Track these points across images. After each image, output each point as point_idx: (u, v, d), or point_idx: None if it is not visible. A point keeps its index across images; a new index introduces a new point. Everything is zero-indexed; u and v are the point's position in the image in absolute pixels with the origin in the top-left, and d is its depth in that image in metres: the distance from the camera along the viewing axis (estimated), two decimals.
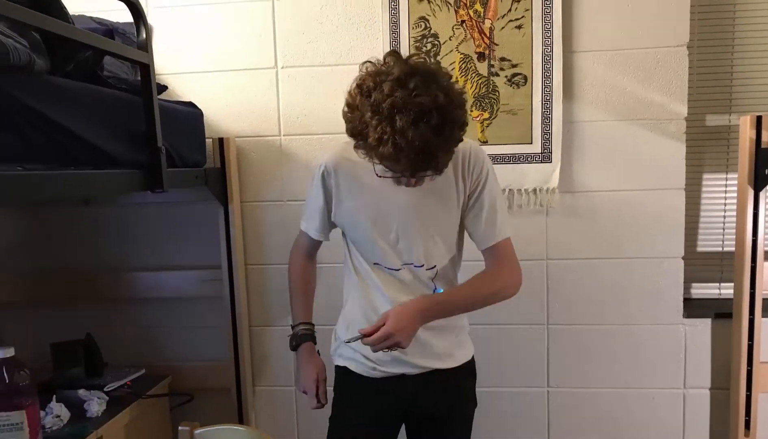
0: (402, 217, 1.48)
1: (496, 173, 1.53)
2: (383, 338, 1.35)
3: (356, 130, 1.29)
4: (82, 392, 1.92)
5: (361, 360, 1.57)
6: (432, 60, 1.42)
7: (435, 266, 1.53)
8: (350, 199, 1.51)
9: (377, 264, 1.53)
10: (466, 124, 1.30)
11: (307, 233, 1.63)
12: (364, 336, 1.38)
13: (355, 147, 1.33)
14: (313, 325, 1.68)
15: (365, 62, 1.32)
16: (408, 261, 1.51)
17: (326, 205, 1.55)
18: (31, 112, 1.20)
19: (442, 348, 1.56)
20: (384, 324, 1.36)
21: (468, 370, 1.66)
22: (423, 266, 1.51)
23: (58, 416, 1.78)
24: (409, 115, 1.19)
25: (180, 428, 1.69)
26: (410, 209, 1.48)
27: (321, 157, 1.55)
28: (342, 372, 1.63)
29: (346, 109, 1.33)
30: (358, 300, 1.57)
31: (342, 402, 1.64)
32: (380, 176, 1.39)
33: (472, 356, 1.67)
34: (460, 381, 1.63)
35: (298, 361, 1.67)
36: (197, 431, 1.67)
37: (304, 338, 1.64)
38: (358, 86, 1.29)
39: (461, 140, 1.31)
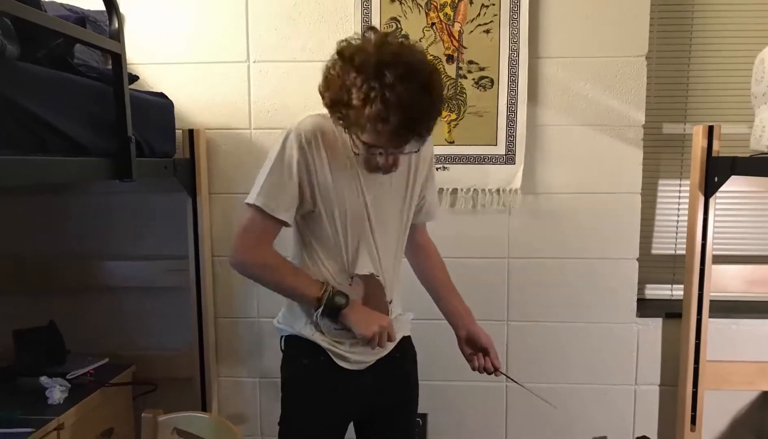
0: (375, 218, 1.43)
1: None
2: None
3: (337, 97, 1.24)
4: (43, 379, 1.91)
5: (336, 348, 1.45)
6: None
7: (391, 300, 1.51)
8: (335, 175, 1.36)
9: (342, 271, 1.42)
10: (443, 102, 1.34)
11: (273, 214, 1.34)
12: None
13: (337, 118, 1.27)
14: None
15: (340, 42, 1.28)
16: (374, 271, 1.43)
17: (300, 181, 1.35)
18: (2, 98, 1.21)
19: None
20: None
21: (412, 355, 1.67)
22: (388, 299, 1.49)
23: None
24: (398, 70, 1.17)
25: (143, 414, 1.71)
26: (381, 207, 1.43)
27: (294, 125, 1.35)
28: (303, 364, 1.48)
29: (322, 83, 1.28)
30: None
31: (298, 401, 1.50)
32: (357, 154, 1.33)
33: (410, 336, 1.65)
34: (409, 368, 1.64)
35: (356, 314, 1.39)
36: (161, 418, 1.69)
37: (341, 297, 1.39)
38: (338, 53, 1.25)
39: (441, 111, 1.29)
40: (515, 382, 1.62)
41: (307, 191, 1.36)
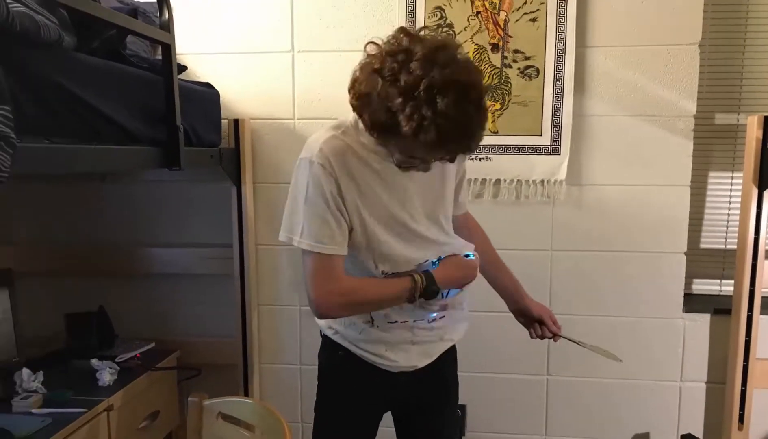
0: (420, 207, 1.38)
1: None
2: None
3: (382, 122, 1.14)
4: (94, 361, 1.97)
5: (368, 349, 1.44)
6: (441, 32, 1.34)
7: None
8: (376, 191, 1.30)
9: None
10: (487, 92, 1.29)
11: (329, 253, 1.27)
12: None
13: (380, 142, 1.20)
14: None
15: (368, 44, 1.18)
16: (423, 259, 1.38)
17: (340, 212, 1.28)
18: (59, 87, 1.24)
19: (457, 336, 1.56)
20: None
21: (451, 358, 1.62)
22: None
23: None
24: (452, 95, 1.08)
25: (189, 398, 1.75)
26: (423, 196, 1.38)
27: (312, 154, 1.25)
28: (339, 354, 1.48)
29: (357, 100, 1.17)
30: None
31: (333, 390, 1.54)
32: (401, 166, 1.26)
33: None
34: (447, 371, 1.60)
35: (448, 277, 1.38)
36: (206, 402, 1.73)
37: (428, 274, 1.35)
38: (376, 71, 1.13)
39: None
40: (577, 343, 1.65)
41: (347, 216, 1.29)
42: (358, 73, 1.19)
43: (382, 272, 1.36)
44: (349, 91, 1.22)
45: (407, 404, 1.56)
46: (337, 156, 1.25)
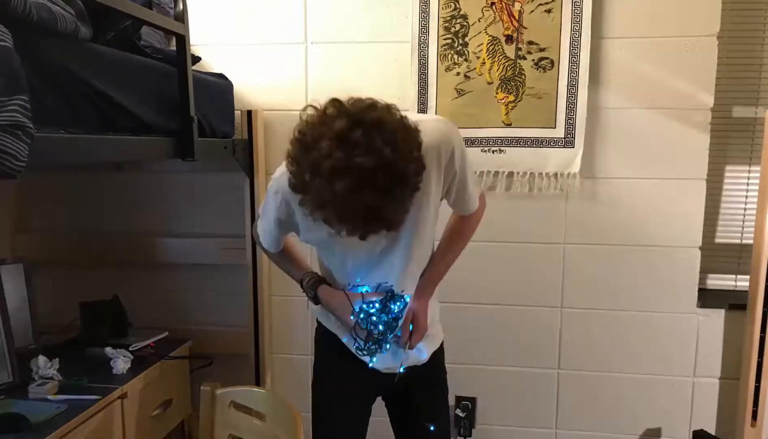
0: (375, 252, 1.39)
1: (466, 152, 1.38)
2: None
3: (298, 187, 1.14)
4: (108, 349, 1.99)
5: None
6: (378, 102, 1.13)
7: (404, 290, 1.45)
8: (315, 231, 1.33)
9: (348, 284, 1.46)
10: (423, 168, 1.13)
11: (265, 247, 1.56)
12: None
13: (300, 203, 1.17)
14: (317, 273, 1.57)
15: (306, 107, 1.15)
16: (382, 282, 1.43)
17: (284, 230, 1.46)
18: (76, 78, 1.25)
19: (427, 350, 1.57)
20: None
21: (437, 359, 1.64)
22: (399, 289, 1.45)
23: None
24: (351, 179, 1.03)
25: (202, 387, 1.76)
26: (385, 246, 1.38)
27: (278, 176, 1.35)
28: (330, 333, 1.57)
29: (288, 159, 1.16)
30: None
31: (325, 366, 1.63)
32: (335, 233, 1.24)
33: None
34: (432, 373, 1.62)
35: (326, 303, 1.49)
36: (218, 391, 1.74)
37: (315, 284, 1.51)
38: (297, 140, 1.12)
39: (417, 189, 1.14)
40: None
41: (293, 232, 1.46)
42: (292, 136, 1.16)
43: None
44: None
45: (395, 392, 1.59)
46: (294, 195, 1.27)
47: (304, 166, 1.09)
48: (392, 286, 1.42)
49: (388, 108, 1.13)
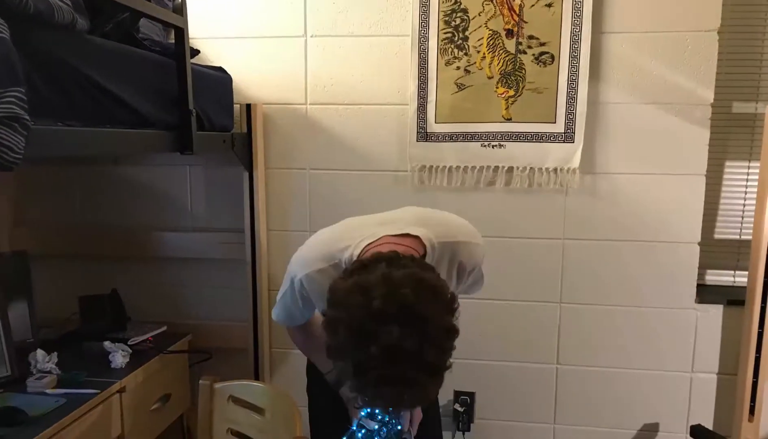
0: None
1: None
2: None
3: (335, 356, 1.09)
4: (107, 344, 1.99)
5: None
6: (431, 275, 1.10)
7: None
8: None
9: None
10: (457, 333, 1.09)
11: (295, 325, 1.52)
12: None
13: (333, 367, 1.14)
14: None
15: (349, 272, 1.12)
16: None
17: (308, 310, 1.43)
18: (73, 70, 1.24)
19: None
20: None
21: None
22: None
23: None
24: (396, 388, 1.02)
25: (201, 381, 1.77)
26: None
27: (295, 269, 1.36)
28: None
29: (326, 319, 1.10)
30: None
31: (318, 379, 1.57)
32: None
33: None
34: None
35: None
36: (217, 385, 1.74)
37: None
38: (345, 324, 1.04)
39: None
40: None
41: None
42: (337, 287, 1.09)
43: None
44: None
45: None
46: (315, 290, 1.31)
47: (347, 355, 1.04)
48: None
49: (437, 287, 1.08)
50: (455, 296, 1.11)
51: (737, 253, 2.23)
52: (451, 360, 1.09)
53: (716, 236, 2.24)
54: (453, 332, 1.08)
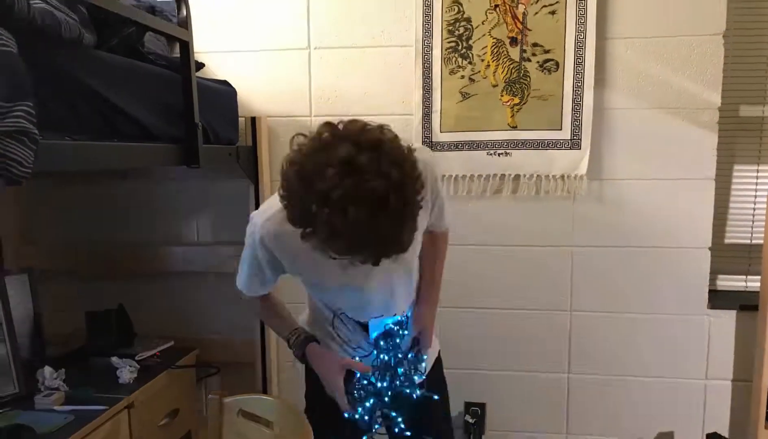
0: (372, 282, 1.35)
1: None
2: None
3: (300, 220, 1.09)
4: (114, 359, 1.98)
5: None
6: (368, 123, 1.10)
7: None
8: (306, 272, 1.38)
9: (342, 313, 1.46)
10: (423, 187, 1.11)
11: (255, 295, 1.51)
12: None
13: (303, 237, 1.11)
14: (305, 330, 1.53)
15: (296, 135, 1.13)
16: (378, 314, 1.43)
17: (273, 271, 1.40)
18: (80, 84, 1.25)
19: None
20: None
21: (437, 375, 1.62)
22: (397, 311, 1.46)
23: None
24: (365, 206, 1.00)
25: (210, 396, 1.74)
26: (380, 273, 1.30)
27: (256, 220, 1.35)
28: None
29: (283, 193, 1.12)
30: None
31: (316, 393, 1.54)
32: (333, 258, 1.16)
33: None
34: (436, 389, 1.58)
35: (313, 364, 1.47)
36: (226, 400, 1.72)
37: (303, 342, 1.47)
38: (296, 172, 1.07)
39: (420, 208, 1.11)
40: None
41: (281, 270, 1.41)
42: (284, 166, 1.13)
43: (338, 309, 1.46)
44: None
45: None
46: (274, 237, 1.31)
47: (309, 200, 1.04)
48: (390, 325, 1.43)
49: (381, 128, 1.09)
50: (411, 149, 1.11)
51: (748, 257, 2.21)
52: (419, 187, 1.08)
53: (727, 241, 2.22)
54: (411, 155, 1.09)
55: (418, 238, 1.37)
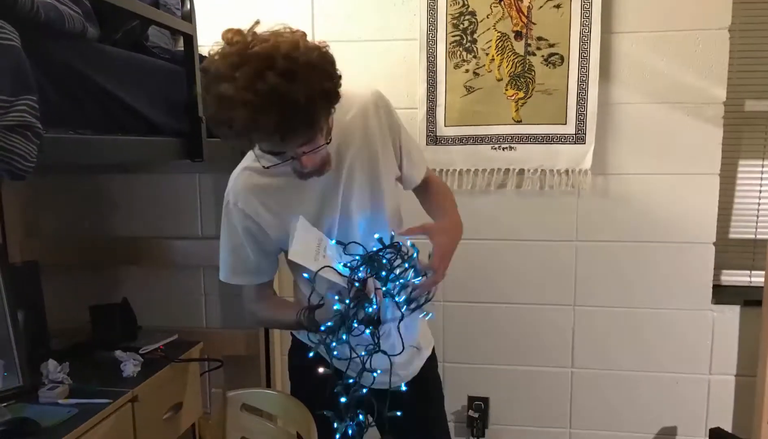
0: (341, 219, 1.30)
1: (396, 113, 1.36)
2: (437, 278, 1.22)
3: (209, 110, 1.10)
4: (118, 353, 1.98)
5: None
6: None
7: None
8: (284, 222, 1.29)
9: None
10: (336, 77, 1.11)
11: (244, 284, 1.41)
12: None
13: (220, 136, 1.12)
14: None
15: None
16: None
17: (254, 246, 1.32)
18: (83, 78, 1.24)
19: (417, 365, 1.49)
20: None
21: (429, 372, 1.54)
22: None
23: None
24: (251, 67, 1.01)
25: (213, 390, 1.75)
26: (347, 204, 1.29)
27: (226, 191, 1.33)
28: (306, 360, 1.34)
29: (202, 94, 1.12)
30: None
31: (301, 381, 1.51)
32: (268, 168, 1.17)
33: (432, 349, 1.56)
34: (429, 386, 1.54)
35: (328, 313, 1.26)
36: (230, 393, 1.73)
37: (312, 309, 1.30)
38: (202, 71, 1.12)
39: (331, 92, 1.10)
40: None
41: (261, 245, 1.33)
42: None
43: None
44: None
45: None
46: (243, 192, 1.29)
47: (206, 80, 1.07)
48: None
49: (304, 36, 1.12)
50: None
51: (753, 252, 2.21)
52: (324, 73, 1.09)
53: (731, 236, 2.21)
54: (321, 53, 1.10)
55: (384, 185, 1.32)
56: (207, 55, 1.12)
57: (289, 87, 1.02)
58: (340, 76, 1.13)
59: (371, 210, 1.32)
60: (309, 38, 1.14)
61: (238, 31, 1.10)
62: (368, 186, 1.31)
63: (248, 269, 1.36)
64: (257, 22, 1.14)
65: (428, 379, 1.53)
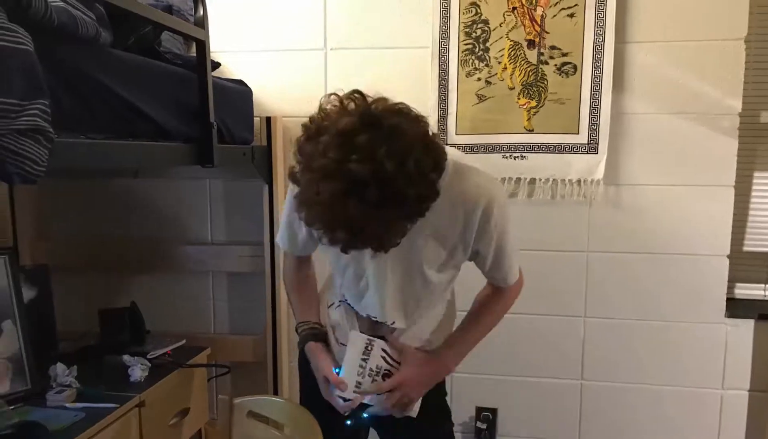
0: (369, 270, 1.31)
1: (509, 218, 1.31)
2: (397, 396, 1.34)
3: (293, 177, 1.07)
4: (126, 357, 1.98)
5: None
6: (409, 110, 1.05)
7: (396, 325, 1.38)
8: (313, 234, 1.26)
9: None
10: (434, 196, 1.03)
11: (293, 253, 1.49)
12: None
13: (294, 196, 1.08)
14: (318, 323, 1.49)
15: (330, 94, 1.07)
16: (373, 314, 1.38)
17: (306, 228, 1.26)
18: (96, 83, 1.25)
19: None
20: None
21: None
22: (393, 324, 1.37)
23: None
24: (338, 184, 0.94)
25: (220, 397, 1.74)
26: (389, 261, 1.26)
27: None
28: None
29: (295, 145, 1.07)
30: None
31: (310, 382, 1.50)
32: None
33: None
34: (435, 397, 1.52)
35: (309, 359, 1.45)
36: (236, 400, 1.72)
37: (306, 338, 1.45)
38: (305, 129, 1.04)
39: (419, 216, 1.04)
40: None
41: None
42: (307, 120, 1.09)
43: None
44: None
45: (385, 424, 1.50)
46: (290, 196, 1.32)
47: (301, 158, 1.02)
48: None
49: (418, 120, 1.03)
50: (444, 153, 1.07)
51: (767, 266, 2.17)
52: (422, 194, 1.00)
53: (745, 249, 2.18)
54: (433, 157, 1.02)
55: (443, 258, 1.28)
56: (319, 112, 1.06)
57: (371, 221, 0.97)
58: (442, 170, 1.05)
59: (389, 286, 1.32)
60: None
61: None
62: (401, 268, 1.30)
63: (294, 242, 1.44)
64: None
65: (433, 393, 1.49)
